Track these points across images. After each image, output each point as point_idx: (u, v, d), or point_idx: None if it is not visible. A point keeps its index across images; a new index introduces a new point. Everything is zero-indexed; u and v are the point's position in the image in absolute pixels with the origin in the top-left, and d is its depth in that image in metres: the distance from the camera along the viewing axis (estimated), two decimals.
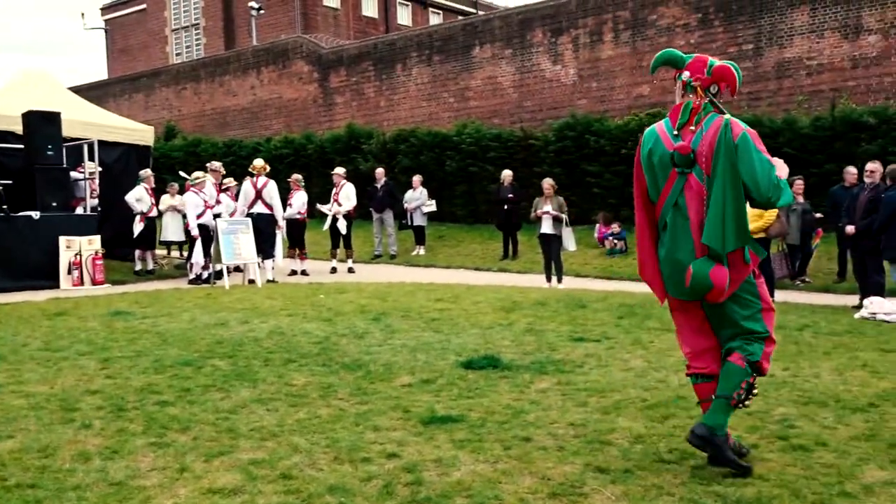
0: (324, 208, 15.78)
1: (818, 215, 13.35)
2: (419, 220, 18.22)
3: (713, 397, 3.92)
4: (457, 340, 7.25)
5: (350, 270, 15.51)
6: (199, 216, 13.24)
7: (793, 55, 18.74)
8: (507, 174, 17.21)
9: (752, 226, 11.37)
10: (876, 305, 9.06)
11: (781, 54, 18.90)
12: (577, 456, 4.13)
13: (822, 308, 10.23)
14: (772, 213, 11.34)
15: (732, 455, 3.87)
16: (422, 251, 18.20)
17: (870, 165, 10.45)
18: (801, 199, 13.08)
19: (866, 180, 10.40)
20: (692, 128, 3.88)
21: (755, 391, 3.98)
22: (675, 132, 3.93)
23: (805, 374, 5.95)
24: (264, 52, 29.65)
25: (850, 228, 10.16)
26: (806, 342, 7.25)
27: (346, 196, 15.63)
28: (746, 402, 3.95)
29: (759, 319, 3.93)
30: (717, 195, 3.74)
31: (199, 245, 13.33)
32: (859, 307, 9.47)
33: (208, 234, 13.26)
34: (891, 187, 9.95)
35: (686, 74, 3.98)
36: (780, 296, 11.56)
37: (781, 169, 3.81)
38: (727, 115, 3.84)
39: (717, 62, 4.01)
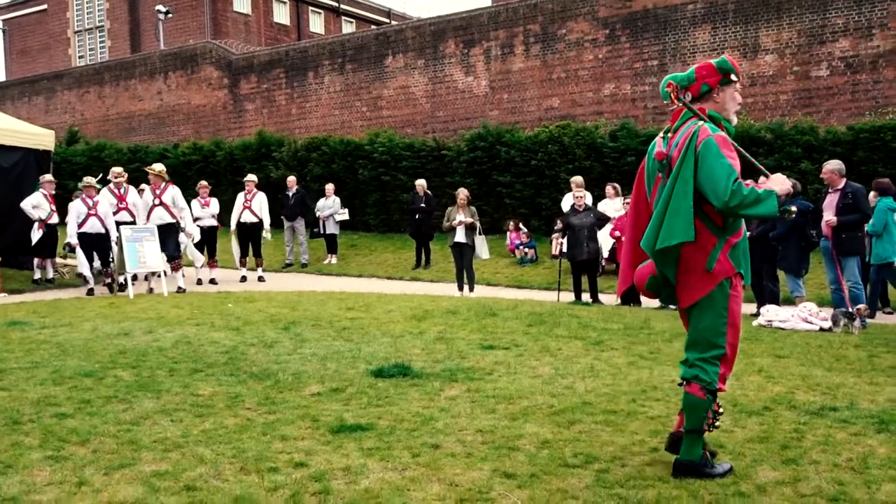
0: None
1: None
2: (331, 229, 18.11)
3: (683, 431, 3.95)
4: (367, 349, 7.23)
5: (260, 279, 15.28)
6: (80, 224, 12.74)
7: None
8: (420, 183, 17.27)
9: None
10: (772, 313, 9.45)
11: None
12: (485, 462, 4.17)
13: None
14: None
15: (713, 470, 3.93)
16: (334, 260, 18.08)
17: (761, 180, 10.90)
18: None
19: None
20: (670, 135, 3.96)
21: (721, 412, 4.04)
22: (662, 137, 4.02)
23: None
24: (172, 57, 29.00)
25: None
26: None
27: (259, 205, 15.42)
28: (716, 424, 4.01)
29: (721, 333, 3.89)
30: (665, 195, 3.80)
31: (80, 255, 12.88)
32: (756, 315, 9.85)
33: (94, 243, 12.83)
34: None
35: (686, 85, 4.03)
36: None
37: (777, 183, 3.82)
38: (700, 122, 3.85)
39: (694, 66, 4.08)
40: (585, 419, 4.99)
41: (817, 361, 6.92)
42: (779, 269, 10.53)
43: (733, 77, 4.00)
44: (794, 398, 5.51)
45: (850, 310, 9.23)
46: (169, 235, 13.12)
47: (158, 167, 13.56)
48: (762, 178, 3.94)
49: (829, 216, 9.87)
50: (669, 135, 3.96)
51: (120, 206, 13.48)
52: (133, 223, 13.13)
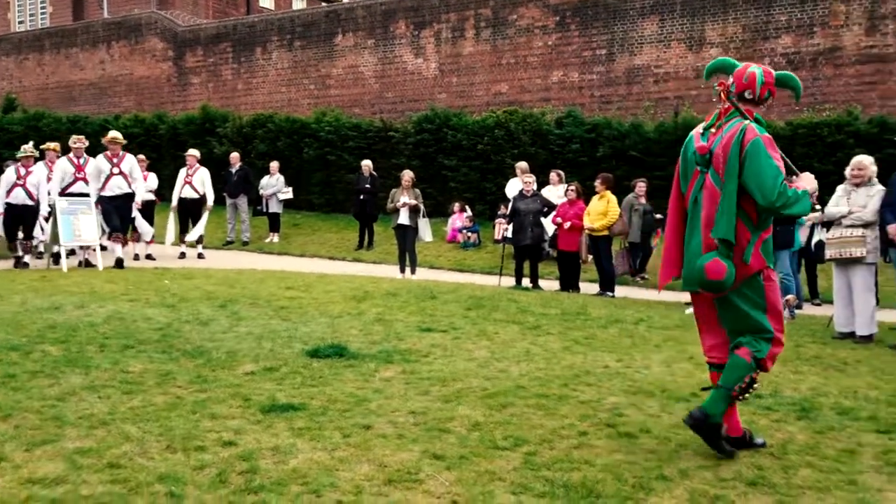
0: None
1: (658, 216, 14.06)
2: (274, 207, 17.91)
3: (714, 386, 4.13)
4: (304, 329, 7.19)
5: (200, 256, 15.05)
6: (7, 194, 12.33)
7: (642, 63, 19.65)
8: (365, 164, 17.16)
9: (596, 224, 12.03)
10: None
11: (632, 61, 19.77)
12: (416, 443, 4.19)
13: (657, 303, 10.80)
14: (615, 213, 11.92)
15: (721, 442, 4.08)
16: (276, 238, 17.90)
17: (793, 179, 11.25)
18: (642, 200, 13.74)
19: None
20: (713, 130, 4.10)
21: (756, 386, 4.14)
22: (701, 132, 4.16)
23: (637, 365, 6.26)
24: (115, 26, 28.26)
25: None
26: (640, 335, 7.63)
27: (201, 181, 15.17)
28: (746, 396, 4.12)
29: (761, 319, 4.05)
30: (727, 192, 3.94)
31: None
32: (690, 304, 10.03)
33: (20, 215, 12.42)
34: None
35: (729, 80, 4.16)
36: (621, 291, 12.13)
37: (807, 182, 4.03)
38: (746, 121, 4.00)
39: (755, 68, 4.14)
40: (517, 402, 5.04)
41: None
42: None
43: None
44: None
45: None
46: (129, 207, 12.71)
47: (114, 134, 12.99)
48: (793, 177, 4.09)
49: None
50: (713, 130, 4.11)
51: (78, 175, 12.56)
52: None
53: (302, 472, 3.72)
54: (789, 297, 9.53)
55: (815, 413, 4.95)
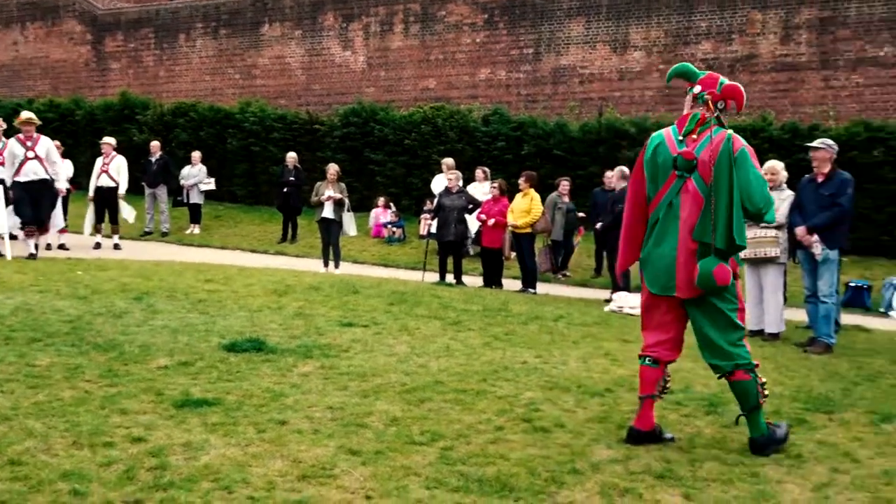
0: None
1: (581, 214, 14.29)
2: (196, 198, 17.56)
3: (743, 414, 4.31)
4: (223, 323, 7.06)
5: (116, 247, 14.66)
6: None
7: (568, 63, 19.91)
8: (290, 156, 16.98)
9: (520, 221, 12.13)
10: (622, 300, 9.84)
11: (558, 61, 20.02)
12: (332, 438, 4.17)
13: (577, 301, 10.97)
14: (538, 211, 12.06)
15: (783, 432, 4.33)
16: (196, 230, 17.55)
17: (608, 174, 12.27)
18: (566, 199, 13.93)
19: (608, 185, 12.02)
20: (694, 136, 4.21)
21: (764, 380, 4.37)
22: (681, 138, 4.24)
23: (554, 361, 6.34)
24: (30, 7, 27.22)
25: (598, 225, 11.31)
26: (559, 332, 7.74)
27: (117, 169, 14.76)
28: (766, 393, 4.34)
29: (735, 316, 4.26)
30: (724, 200, 4.06)
31: None
32: (609, 301, 10.24)
33: None
34: None
35: (698, 88, 4.29)
36: (543, 288, 12.28)
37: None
38: (730, 130, 4.17)
39: (727, 81, 4.32)
40: (436, 398, 5.06)
41: None
42: None
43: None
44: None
45: None
46: (44, 194, 11.79)
47: (28, 114, 12.14)
48: None
49: None
50: (694, 136, 4.22)
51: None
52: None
53: (214, 468, 3.66)
54: None
55: (723, 408, 5.10)
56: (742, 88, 4.39)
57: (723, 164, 4.07)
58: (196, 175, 17.48)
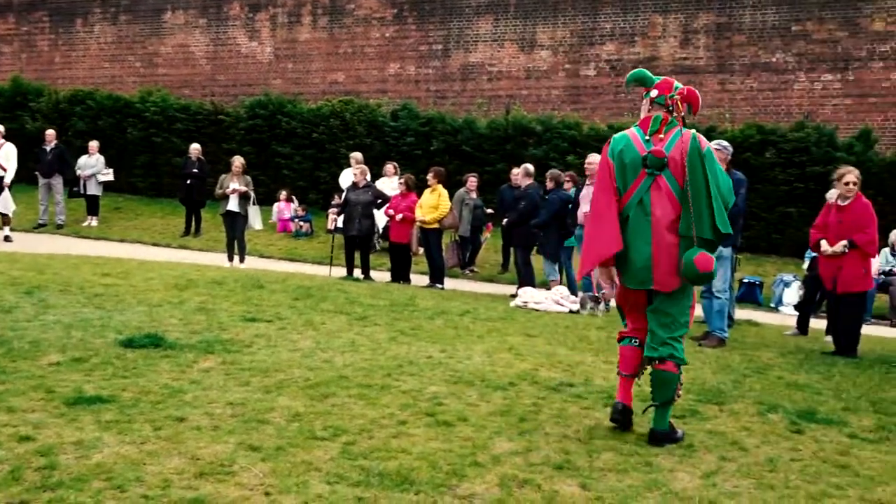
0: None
1: (490, 211, 14.44)
2: (93, 189, 16.97)
3: (654, 403, 4.44)
4: (120, 318, 6.85)
5: (7, 239, 14.04)
6: None
7: (476, 60, 20.06)
8: (194, 148, 16.58)
9: (427, 217, 12.18)
10: (528, 295, 10.01)
11: (467, 58, 20.15)
12: (231, 435, 4.10)
13: (484, 296, 11.09)
14: (445, 206, 12.13)
15: (679, 436, 4.48)
16: (94, 222, 16.96)
17: (514, 171, 12.74)
18: (473, 195, 14.05)
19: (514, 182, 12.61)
20: (661, 136, 4.41)
21: (682, 382, 4.56)
22: (647, 138, 4.43)
23: (459, 355, 6.39)
24: None
25: (504, 221, 11.48)
26: (465, 327, 7.80)
27: (6, 157, 14.11)
28: (680, 393, 4.52)
29: (688, 314, 4.53)
30: (703, 193, 4.27)
31: None
32: (515, 296, 10.39)
33: None
34: (552, 190, 11.04)
35: (655, 92, 4.53)
36: (450, 284, 12.38)
37: None
38: (693, 130, 4.41)
39: (681, 85, 4.59)
40: (339, 392, 5.03)
41: (563, 341, 7.42)
42: (538, 254, 11.17)
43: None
44: (537, 374, 5.87)
45: (597, 294, 9.96)
46: None
47: None
48: None
49: (586, 208, 10.54)
50: (661, 136, 4.42)
51: None
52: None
53: (106, 466, 3.55)
54: (606, 293, 10.03)
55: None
56: (698, 93, 4.65)
57: (695, 160, 4.30)
58: (93, 165, 16.89)
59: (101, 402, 4.45)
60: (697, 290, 4.70)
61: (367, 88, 20.69)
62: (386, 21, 20.87)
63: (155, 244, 15.63)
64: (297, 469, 3.69)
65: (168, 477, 3.50)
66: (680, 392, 4.52)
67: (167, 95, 19.86)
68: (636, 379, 4.63)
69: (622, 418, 4.54)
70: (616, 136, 4.62)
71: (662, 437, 4.42)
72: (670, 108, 4.50)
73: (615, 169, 4.49)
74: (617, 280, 4.55)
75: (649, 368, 4.52)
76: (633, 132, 4.55)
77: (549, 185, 11.10)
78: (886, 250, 12.76)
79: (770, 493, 3.77)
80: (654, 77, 4.65)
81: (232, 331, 6.71)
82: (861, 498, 3.78)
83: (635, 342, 4.61)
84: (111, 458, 3.64)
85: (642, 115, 4.60)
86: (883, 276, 12.35)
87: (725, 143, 8.64)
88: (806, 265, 11.39)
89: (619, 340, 4.72)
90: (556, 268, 11.05)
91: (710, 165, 4.32)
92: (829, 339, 8.59)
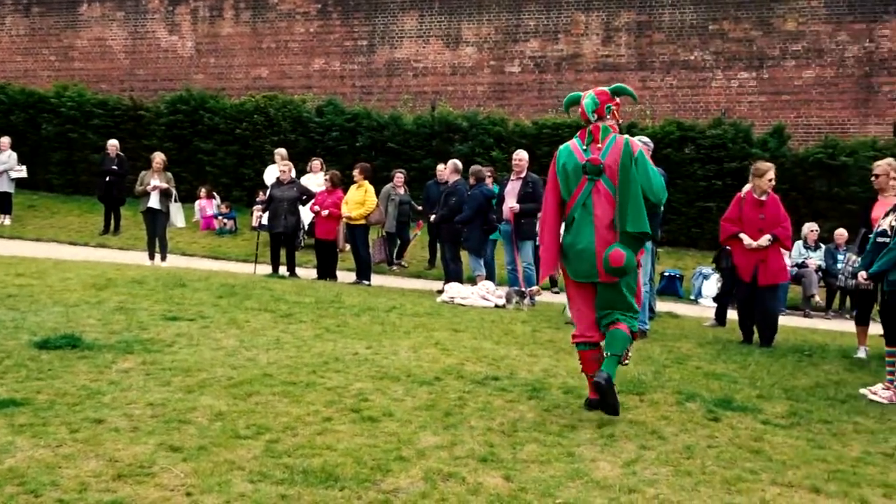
0: None
1: (420, 208, 14.44)
2: (5, 187, 16.40)
3: (607, 354, 4.82)
4: (34, 319, 6.63)
5: None
6: None
7: (402, 56, 20.05)
8: (111, 144, 16.15)
9: (354, 213, 12.12)
10: (454, 290, 10.06)
11: (392, 54, 20.12)
12: (152, 436, 4.02)
13: (411, 292, 11.11)
14: (372, 202, 12.09)
15: (614, 399, 4.78)
16: (7, 221, 16.37)
17: (440, 167, 13.11)
18: (400, 191, 14.04)
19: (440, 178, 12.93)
20: (599, 145, 4.86)
21: (631, 354, 5.00)
22: (585, 147, 4.90)
23: (385, 351, 6.39)
24: None
25: (432, 217, 11.47)
26: (391, 322, 7.80)
27: None
28: (626, 362, 4.96)
29: (633, 300, 4.91)
30: (629, 194, 4.74)
31: None
32: (441, 292, 10.43)
33: None
34: (475, 185, 11.11)
35: (595, 116, 4.94)
36: (377, 280, 12.36)
37: None
38: (626, 136, 4.90)
39: (593, 96, 4.99)
40: (263, 391, 4.98)
41: (488, 335, 7.48)
42: (463, 249, 11.23)
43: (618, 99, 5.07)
44: (463, 369, 5.91)
45: (523, 289, 10.08)
46: None
47: None
48: None
49: (511, 203, 10.64)
50: (599, 146, 4.86)
51: None
52: None
53: (19, 471, 3.44)
54: (533, 287, 10.17)
55: (545, 392, 5.33)
56: (607, 89, 5.07)
57: (626, 164, 4.77)
58: (5, 162, 16.31)
59: (14, 406, 4.31)
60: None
61: (292, 84, 20.47)
62: (310, 16, 20.67)
63: (72, 243, 15.18)
64: (219, 468, 3.65)
65: (85, 480, 3.42)
66: (626, 362, 4.96)
67: (84, 90, 19.29)
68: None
69: (592, 408, 4.91)
70: (560, 147, 5.10)
71: (608, 381, 4.72)
72: (605, 117, 4.97)
73: (560, 177, 4.99)
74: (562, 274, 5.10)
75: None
76: (573, 143, 5.03)
77: (471, 180, 11.17)
78: (800, 243, 13.24)
79: (687, 479, 3.88)
80: (580, 95, 5.07)
81: (153, 330, 6.57)
82: (773, 481, 3.92)
83: (587, 345, 4.96)
84: (25, 463, 3.54)
85: (591, 125, 4.98)
86: (796, 269, 12.81)
87: (647, 139, 8.84)
88: (713, 257, 11.63)
89: (576, 346, 5.06)
90: (482, 262, 11.13)
91: (641, 167, 4.80)
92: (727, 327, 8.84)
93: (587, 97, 4.99)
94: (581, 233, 4.86)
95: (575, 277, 4.96)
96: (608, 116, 4.96)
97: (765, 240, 8.07)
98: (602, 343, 4.91)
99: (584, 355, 4.97)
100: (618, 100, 5.05)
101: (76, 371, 5.18)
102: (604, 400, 4.77)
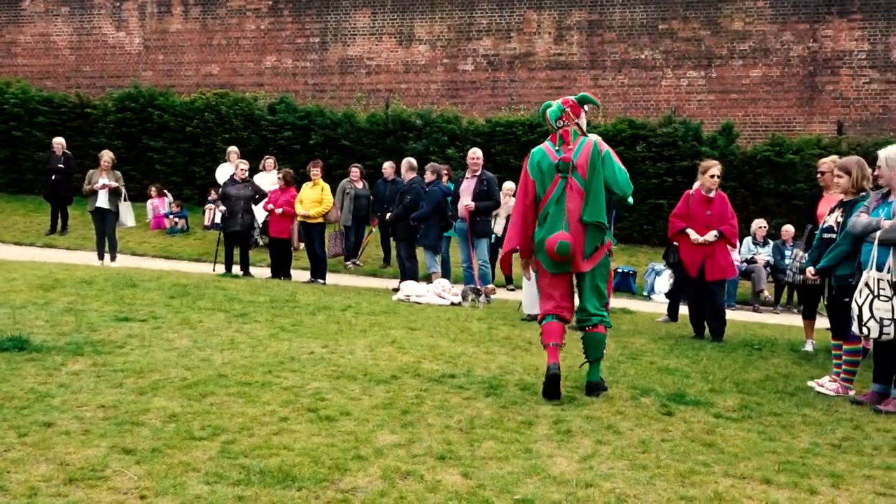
0: None
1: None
2: None
3: (588, 361, 5.34)
4: None
5: None
6: None
7: (355, 54, 19.96)
8: (57, 142, 15.79)
9: (312, 210, 12.05)
10: (410, 288, 10.05)
11: (345, 52, 20.01)
12: (104, 438, 3.94)
13: (366, 290, 11.07)
14: (329, 200, 12.03)
15: (606, 385, 5.45)
16: None
17: (386, 165, 13.66)
18: (358, 185, 13.95)
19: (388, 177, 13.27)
20: (570, 146, 5.29)
21: (607, 342, 5.55)
22: (557, 148, 5.33)
23: (342, 350, 6.36)
24: None
25: (388, 216, 11.41)
26: (347, 321, 7.76)
27: None
28: (604, 352, 5.46)
29: (605, 287, 5.42)
30: (595, 188, 5.19)
31: None
32: (397, 290, 10.41)
33: None
34: (432, 182, 11.10)
35: (558, 116, 5.39)
36: (332, 279, 12.29)
37: None
38: (595, 137, 5.33)
39: (559, 106, 5.42)
40: (218, 391, 4.92)
41: (444, 333, 7.48)
42: (419, 246, 11.22)
43: (587, 107, 5.51)
44: (420, 367, 5.91)
45: (479, 287, 10.11)
46: None
47: None
48: None
49: (466, 201, 10.67)
50: (570, 146, 5.28)
51: None
52: None
53: None
54: (488, 286, 10.21)
55: (502, 389, 5.35)
56: (573, 98, 5.49)
57: (595, 163, 5.21)
58: None
59: None
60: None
61: (244, 81, 20.26)
62: (261, 13, 20.47)
63: (17, 243, 14.84)
64: (174, 470, 3.59)
65: (35, 485, 3.34)
66: (605, 352, 5.46)
67: (27, 87, 18.87)
68: (561, 346, 5.28)
69: (556, 380, 5.16)
70: (533, 150, 5.49)
71: (596, 387, 5.32)
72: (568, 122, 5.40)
73: (534, 174, 5.37)
74: (531, 271, 5.53)
75: (579, 334, 5.38)
76: (546, 145, 5.44)
77: (430, 177, 11.15)
78: (749, 239, 13.48)
79: (643, 472, 3.93)
80: (550, 104, 5.49)
81: (103, 331, 6.45)
82: (725, 473, 3.99)
83: (556, 318, 5.29)
84: None
85: (560, 129, 5.38)
86: (746, 264, 13.05)
87: (598, 138, 8.91)
88: (662, 253, 11.78)
89: (541, 320, 5.38)
90: (437, 260, 11.14)
91: (608, 165, 5.26)
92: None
93: (554, 106, 5.44)
94: (555, 227, 5.23)
95: (549, 269, 5.33)
96: (571, 123, 5.39)
97: (711, 236, 8.20)
98: (571, 320, 5.38)
99: (550, 327, 5.28)
100: (586, 108, 5.49)
101: (24, 374, 5.07)
102: (551, 386, 5.15)
